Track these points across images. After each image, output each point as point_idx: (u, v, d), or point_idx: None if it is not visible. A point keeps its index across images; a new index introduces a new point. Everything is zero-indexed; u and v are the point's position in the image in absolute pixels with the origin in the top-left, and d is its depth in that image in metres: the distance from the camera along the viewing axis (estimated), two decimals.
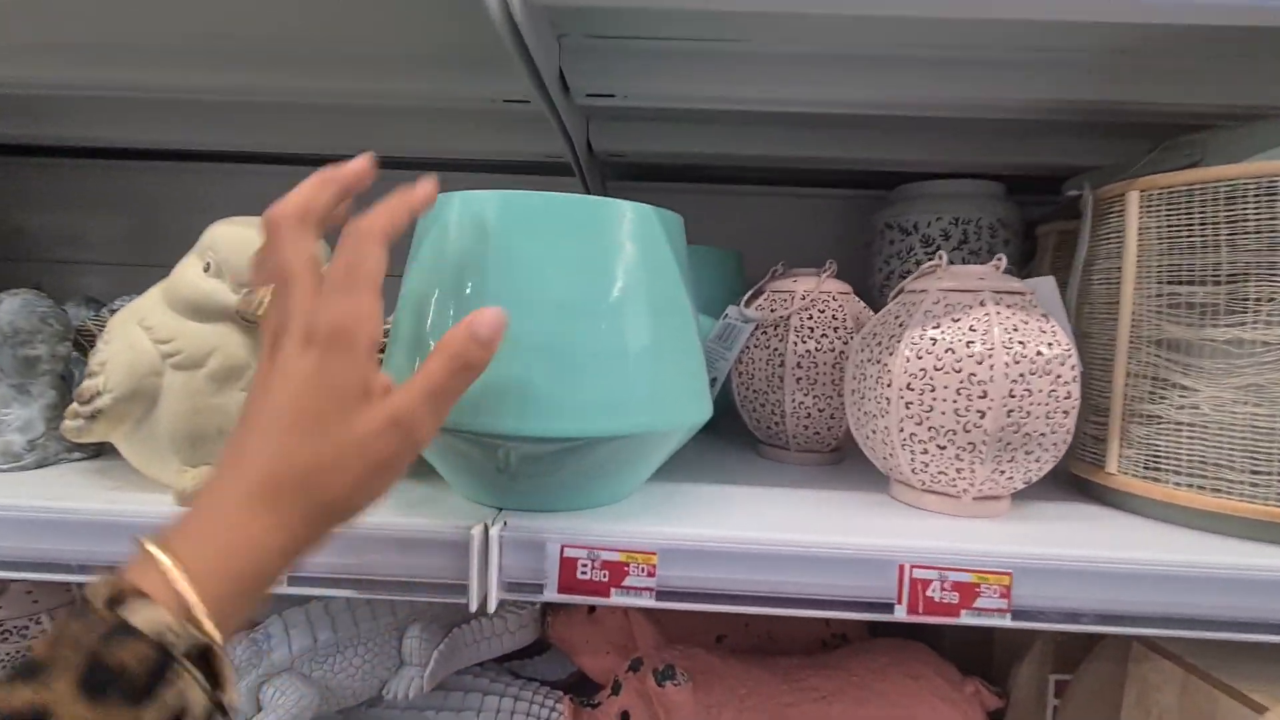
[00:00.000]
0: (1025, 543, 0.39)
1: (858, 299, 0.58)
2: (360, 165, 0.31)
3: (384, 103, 0.58)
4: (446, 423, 0.35)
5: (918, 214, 0.78)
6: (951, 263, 0.47)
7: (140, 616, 0.22)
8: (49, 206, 0.89)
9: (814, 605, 0.38)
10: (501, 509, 0.42)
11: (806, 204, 0.93)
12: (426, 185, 0.32)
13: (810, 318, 0.55)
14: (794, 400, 0.55)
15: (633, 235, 0.39)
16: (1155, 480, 0.45)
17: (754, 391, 0.57)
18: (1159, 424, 0.44)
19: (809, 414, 0.55)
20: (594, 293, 0.38)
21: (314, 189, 0.30)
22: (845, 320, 0.55)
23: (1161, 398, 0.44)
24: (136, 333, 0.40)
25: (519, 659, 0.70)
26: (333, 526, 0.28)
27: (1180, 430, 0.43)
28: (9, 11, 0.51)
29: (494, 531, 0.38)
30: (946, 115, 0.65)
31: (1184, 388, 0.43)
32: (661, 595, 0.38)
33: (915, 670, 0.51)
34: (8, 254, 0.90)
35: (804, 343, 0.54)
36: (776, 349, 0.55)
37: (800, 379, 0.54)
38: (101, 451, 0.51)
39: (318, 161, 0.82)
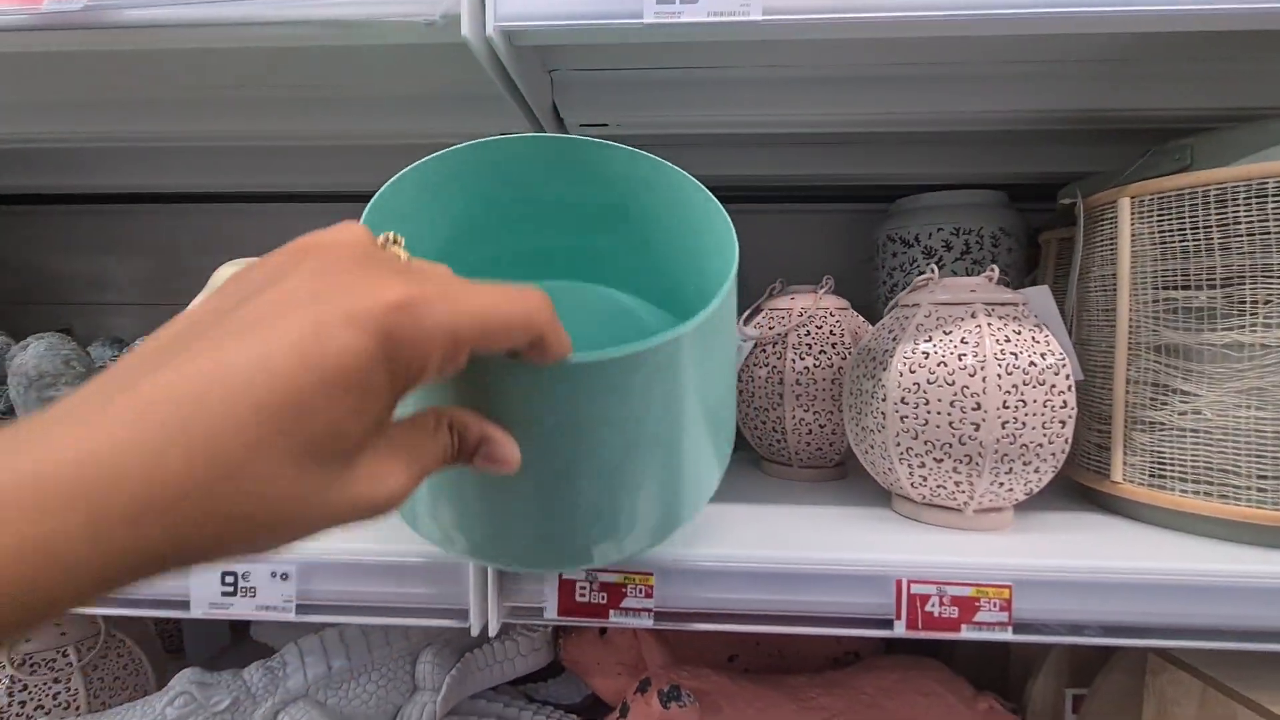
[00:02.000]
0: (1025, 554, 0.39)
1: (856, 314, 0.59)
2: None
3: (386, 142, 0.60)
4: (506, 563, 0.34)
5: (919, 226, 0.78)
6: (955, 274, 0.47)
7: None
8: (78, 251, 0.93)
9: (813, 623, 0.38)
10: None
11: (807, 220, 0.94)
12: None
13: (808, 334, 0.55)
14: (794, 416, 0.55)
15: (662, 373, 0.28)
16: (1161, 488, 0.44)
17: (755, 409, 0.57)
18: (1162, 430, 0.44)
19: (810, 430, 0.55)
20: (642, 453, 0.29)
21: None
22: (843, 335, 0.55)
23: (1163, 404, 0.44)
24: None
25: (533, 682, 0.70)
26: (214, 560, 0.17)
27: (1184, 436, 0.43)
28: (40, 72, 0.54)
29: None
30: (941, 129, 0.66)
31: (1185, 393, 0.43)
32: (660, 616, 0.38)
33: (926, 687, 0.50)
34: (42, 298, 0.94)
35: (802, 359, 0.55)
36: (775, 366, 0.55)
37: (800, 395, 0.55)
38: None
39: (325, 199, 0.83)
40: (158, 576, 0.16)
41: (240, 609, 0.39)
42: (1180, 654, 0.45)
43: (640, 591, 0.38)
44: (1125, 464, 0.46)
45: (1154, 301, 0.44)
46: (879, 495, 0.52)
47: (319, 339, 0.17)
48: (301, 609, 0.39)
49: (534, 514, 0.30)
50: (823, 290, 0.58)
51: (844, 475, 0.58)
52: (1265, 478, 0.40)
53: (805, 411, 0.55)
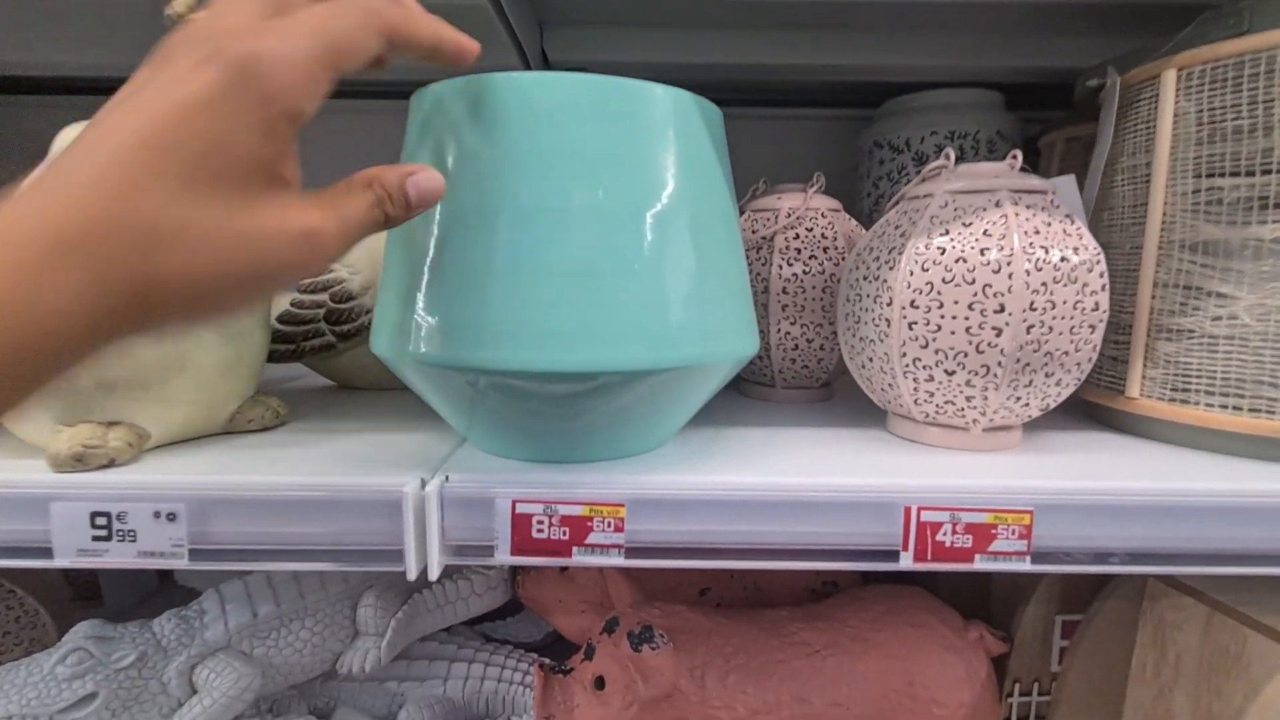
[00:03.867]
0: (1046, 476, 0.34)
1: (849, 217, 0.52)
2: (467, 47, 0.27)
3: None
4: (456, 359, 0.30)
5: (910, 129, 0.71)
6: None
7: None
8: None
9: (807, 556, 0.33)
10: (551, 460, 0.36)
11: (788, 126, 0.86)
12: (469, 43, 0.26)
13: (796, 237, 0.49)
14: (780, 330, 0.49)
15: (675, 127, 0.32)
16: (1184, 403, 0.40)
17: None
18: (1190, 339, 0.39)
19: (796, 345, 0.49)
20: (636, 197, 0.31)
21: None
22: (836, 239, 0.49)
23: (1195, 309, 0.39)
24: None
25: (492, 621, 0.66)
26: (162, 322, 0.20)
27: (1215, 345, 0.38)
28: None
29: (431, 488, 0.32)
30: (939, 4, 0.58)
31: (1221, 295, 0.38)
32: (632, 552, 0.33)
33: (915, 618, 0.47)
34: None
35: (789, 265, 0.48)
36: (759, 273, 0.49)
37: (786, 306, 0.48)
38: None
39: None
40: (121, 323, 0.19)
41: (117, 555, 0.32)
42: (1186, 579, 0.43)
43: (608, 525, 0.32)
44: (1144, 378, 0.42)
45: (1194, 192, 0.39)
46: (871, 416, 0.47)
47: (179, 81, 0.20)
48: (196, 554, 0.32)
49: (502, 268, 0.30)
50: (813, 189, 0.51)
51: (830, 396, 0.53)
52: None
53: (792, 324, 0.49)
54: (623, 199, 0.30)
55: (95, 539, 0.32)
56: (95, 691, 0.43)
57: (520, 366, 0.30)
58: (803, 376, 0.51)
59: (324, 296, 0.50)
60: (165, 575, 0.77)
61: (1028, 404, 0.38)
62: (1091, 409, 0.47)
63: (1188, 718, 0.41)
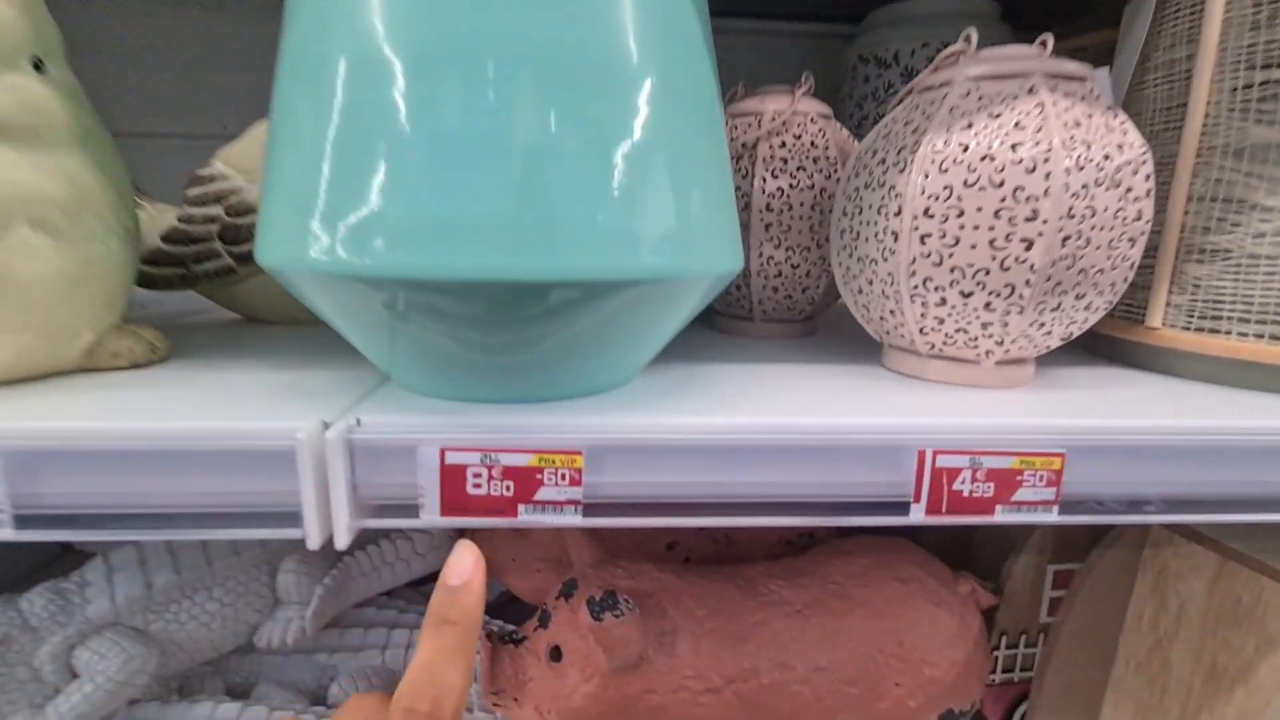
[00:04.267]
0: (1073, 414, 0.29)
1: (841, 125, 0.45)
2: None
3: None
4: (364, 267, 0.23)
5: (899, 42, 0.65)
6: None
7: None
8: None
9: (798, 511, 0.28)
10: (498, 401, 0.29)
11: (764, 41, 0.78)
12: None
13: (783, 145, 0.42)
14: (761, 255, 0.43)
15: None
16: (1213, 332, 0.35)
17: None
18: (1226, 260, 0.34)
19: (779, 273, 0.43)
20: (593, 51, 0.24)
21: None
22: (827, 149, 0.42)
23: (1234, 225, 0.34)
24: None
25: (435, 582, 0.60)
26: None
27: (1255, 265, 0.34)
28: None
29: (334, 434, 0.25)
30: None
31: (1267, 209, 0.33)
32: (591, 509, 0.27)
33: (903, 572, 0.43)
34: None
35: (774, 178, 0.42)
36: (739, 188, 0.42)
37: (770, 225, 0.42)
38: None
39: None
40: None
41: None
42: (1197, 526, 0.39)
43: (562, 477, 0.26)
44: (1169, 305, 0.37)
45: (1245, 88, 0.33)
46: (861, 351, 0.41)
47: None
48: (24, 521, 0.25)
49: (419, 143, 0.22)
50: (801, 91, 0.44)
51: (814, 331, 0.48)
52: None
53: (775, 248, 0.42)
54: (576, 54, 0.23)
55: None
56: None
57: (447, 274, 0.23)
58: (784, 308, 0.45)
59: (217, 210, 0.42)
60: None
61: (1050, 331, 0.32)
62: (1100, 342, 0.42)
63: (1188, 669, 0.39)
